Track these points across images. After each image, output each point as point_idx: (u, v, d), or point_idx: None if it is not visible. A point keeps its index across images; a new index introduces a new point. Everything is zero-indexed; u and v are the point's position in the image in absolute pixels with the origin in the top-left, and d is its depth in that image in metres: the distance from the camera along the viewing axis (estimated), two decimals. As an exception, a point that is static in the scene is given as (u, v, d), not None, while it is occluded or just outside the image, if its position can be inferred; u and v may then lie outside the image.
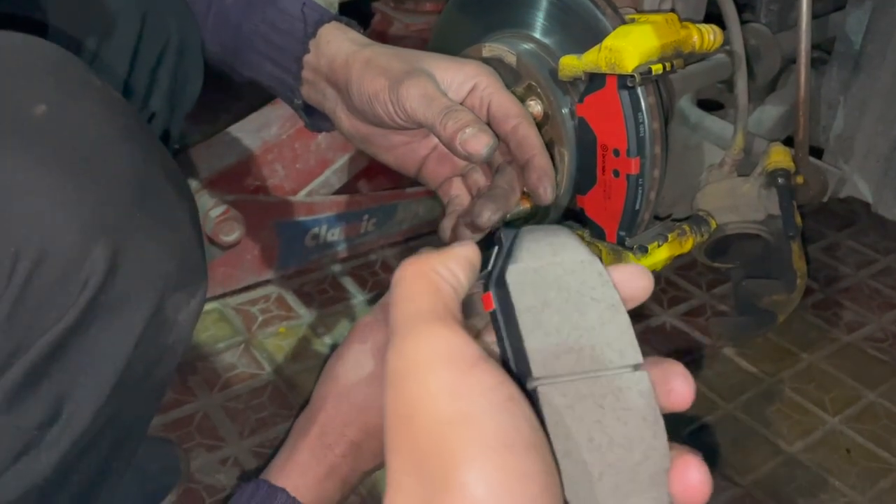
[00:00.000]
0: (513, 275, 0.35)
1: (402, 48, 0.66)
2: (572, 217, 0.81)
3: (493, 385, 0.31)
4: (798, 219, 0.85)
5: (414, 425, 0.32)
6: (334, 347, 0.64)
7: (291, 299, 1.19)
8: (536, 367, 0.33)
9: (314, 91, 0.69)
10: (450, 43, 0.87)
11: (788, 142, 0.93)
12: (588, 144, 0.74)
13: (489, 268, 0.38)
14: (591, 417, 0.33)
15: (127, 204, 0.46)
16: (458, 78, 0.63)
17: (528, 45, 0.78)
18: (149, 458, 0.90)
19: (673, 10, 0.79)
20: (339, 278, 1.24)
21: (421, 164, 0.70)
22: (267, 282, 1.21)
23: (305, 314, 1.17)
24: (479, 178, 0.68)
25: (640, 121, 0.71)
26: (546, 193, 0.64)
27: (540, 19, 0.78)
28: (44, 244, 0.42)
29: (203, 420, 1.00)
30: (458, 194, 0.69)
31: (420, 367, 0.32)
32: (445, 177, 0.69)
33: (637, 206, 0.74)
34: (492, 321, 0.37)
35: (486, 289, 0.37)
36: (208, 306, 1.16)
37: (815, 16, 0.97)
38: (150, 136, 0.52)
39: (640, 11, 0.75)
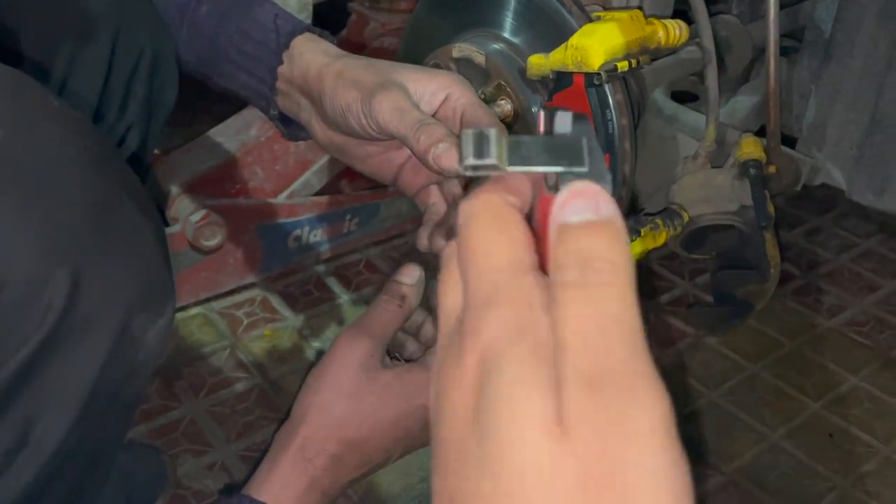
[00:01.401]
0: None
1: (376, 59, 0.66)
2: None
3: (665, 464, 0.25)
4: (771, 209, 0.86)
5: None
6: (320, 353, 0.64)
7: (276, 301, 1.20)
8: None
9: (289, 102, 0.69)
10: (420, 43, 0.88)
11: (763, 131, 0.93)
12: (558, 142, 0.75)
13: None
14: None
15: (87, 227, 0.46)
16: (430, 88, 0.63)
17: (497, 45, 0.78)
18: (135, 466, 0.90)
19: (640, 7, 0.79)
20: (324, 279, 1.25)
21: (397, 173, 0.70)
22: (251, 285, 1.21)
23: (290, 316, 1.18)
24: (455, 187, 0.68)
25: (609, 118, 0.71)
26: None
27: (508, 18, 0.79)
28: (3, 271, 0.42)
29: (189, 425, 1.00)
30: (435, 202, 0.69)
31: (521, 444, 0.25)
32: (421, 185, 0.69)
33: (609, 203, 0.75)
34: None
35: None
36: (193, 311, 1.17)
37: (785, 5, 0.97)
38: (112, 155, 0.52)
39: (607, 8, 0.75)
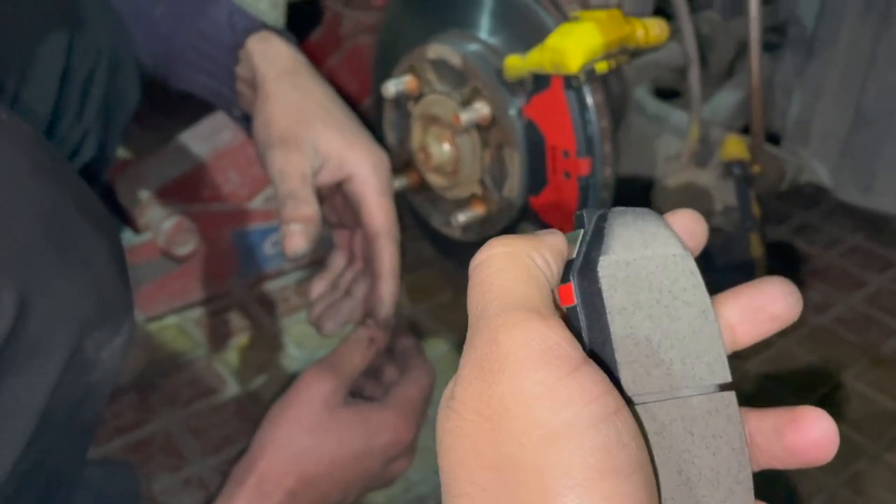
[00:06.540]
0: (605, 268, 0.31)
1: (315, 89, 0.65)
2: (526, 219, 0.80)
3: (599, 394, 0.27)
4: (756, 209, 0.84)
5: (501, 431, 0.27)
6: (296, 374, 0.65)
7: (254, 309, 1.17)
8: (627, 384, 0.30)
9: (248, 103, 0.67)
10: (395, 43, 0.85)
11: (748, 128, 0.91)
12: (537, 146, 0.72)
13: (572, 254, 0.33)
14: (681, 446, 0.31)
15: (35, 243, 0.43)
16: (338, 157, 0.63)
17: (473, 46, 0.76)
18: (107, 483, 0.88)
19: (620, 6, 0.77)
20: (302, 285, 1.22)
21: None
22: (228, 292, 1.19)
23: (269, 324, 1.15)
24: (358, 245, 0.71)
25: (588, 120, 0.69)
26: (379, 319, 0.65)
27: (485, 18, 0.76)
28: None
29: (165, 440, 0.98)
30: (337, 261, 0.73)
31: (516, 364, 0.27)
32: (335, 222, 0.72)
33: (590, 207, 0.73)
34: (568, 317, 0.32)
35: (565, 279, 0.32)
36: (168, 321, 1.14)
37: (767, 1, 0.95)
38: (63, 168, 0.49)
39: (585, 8, 0.73)
